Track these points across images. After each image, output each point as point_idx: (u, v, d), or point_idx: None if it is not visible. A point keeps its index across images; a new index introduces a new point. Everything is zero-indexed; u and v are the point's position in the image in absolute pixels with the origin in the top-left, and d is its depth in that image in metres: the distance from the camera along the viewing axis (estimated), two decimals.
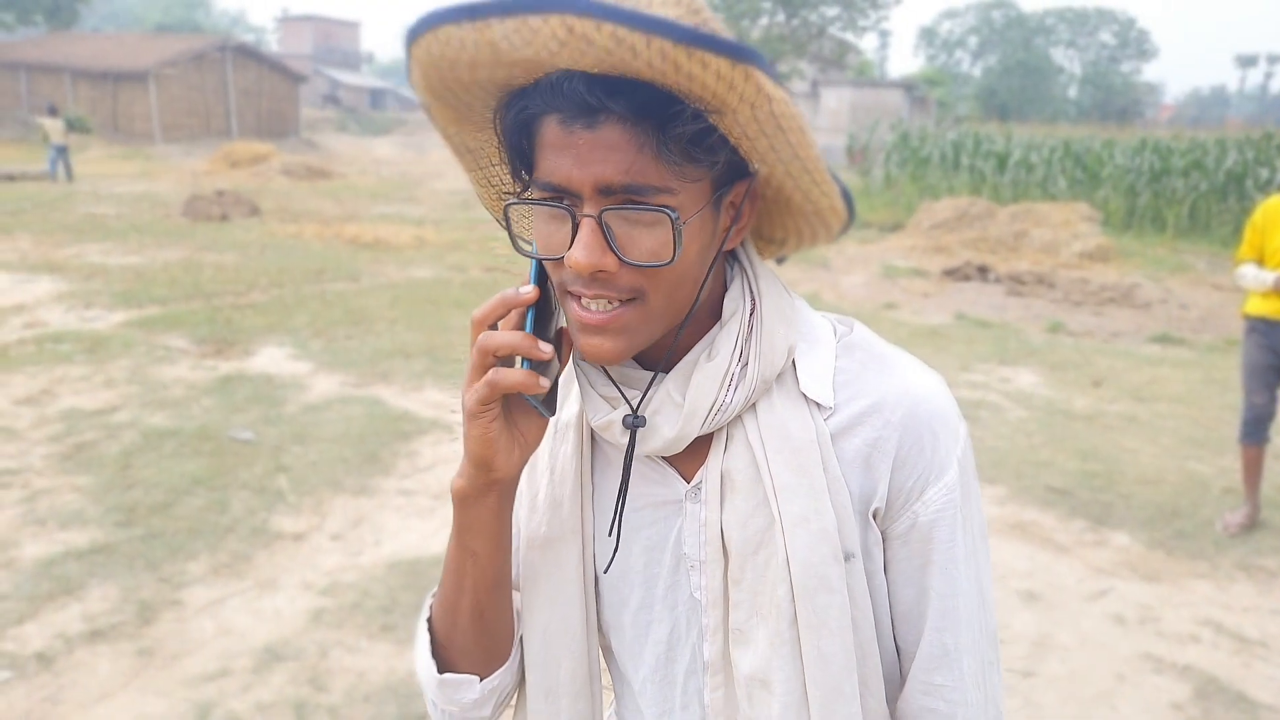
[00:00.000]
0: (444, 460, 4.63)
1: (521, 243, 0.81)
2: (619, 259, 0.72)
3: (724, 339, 0.81)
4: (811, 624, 0.80)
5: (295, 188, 18.82)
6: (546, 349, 0.77)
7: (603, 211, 0.71)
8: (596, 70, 0.68)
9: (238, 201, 14.12)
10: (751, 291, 0.83)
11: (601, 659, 0.96)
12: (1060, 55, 71.81)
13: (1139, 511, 4.28)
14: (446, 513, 4.01)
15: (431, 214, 15.30)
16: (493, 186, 0.88)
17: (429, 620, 0.92)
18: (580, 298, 0.75)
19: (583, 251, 0.71)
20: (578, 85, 0.69)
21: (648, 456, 0.86)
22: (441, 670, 0.90)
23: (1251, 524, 4.12)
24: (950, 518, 0.82)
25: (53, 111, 19.01)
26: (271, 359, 6.35)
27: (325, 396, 5.56)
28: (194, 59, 32.23)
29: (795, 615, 0.80)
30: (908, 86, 26.06)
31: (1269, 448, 4.18)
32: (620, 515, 0.86)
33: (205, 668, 2.91)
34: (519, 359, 0.78)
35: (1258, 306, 3.98)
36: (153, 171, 21.32)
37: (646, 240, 0.72)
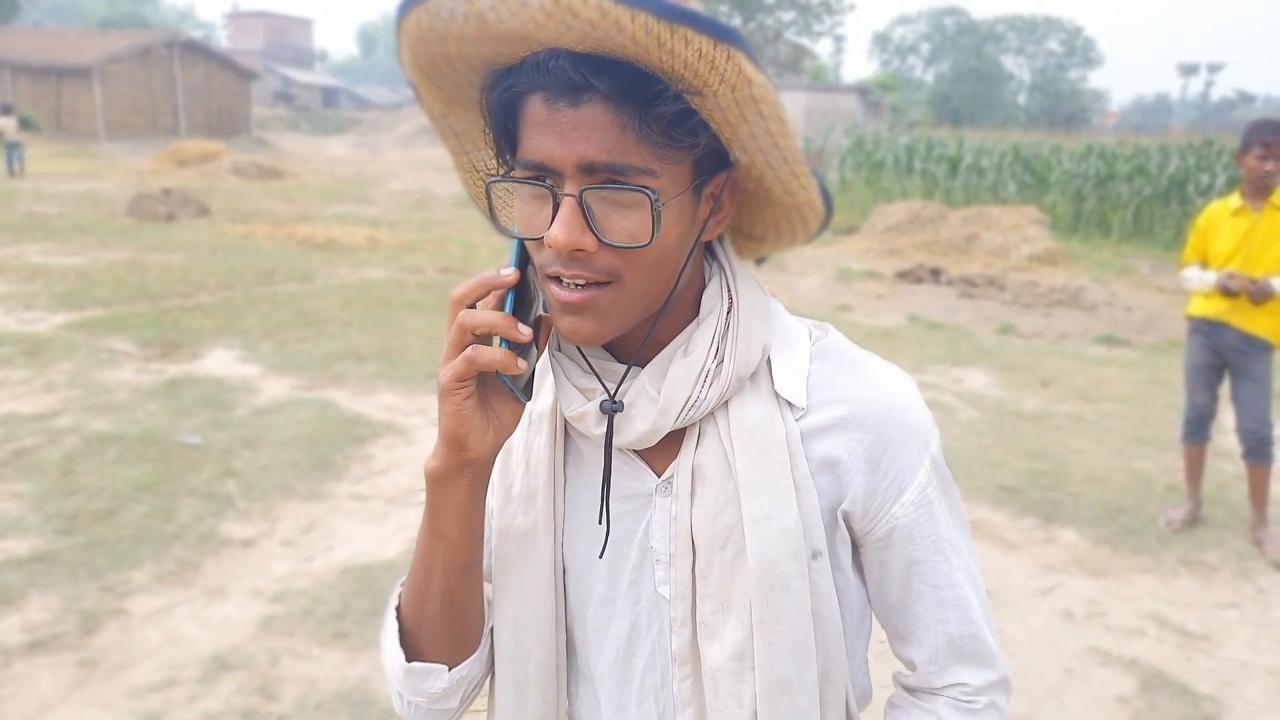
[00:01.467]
0: (398, 464, 4.57)
1: (503, 223, 0.82)
2: (598, 239, 0.73)
3: (701, 335, 0.82)
4: (764, 620, 0.81)
5: (246, 187, 18.47)
6: (525, 331, 0.77)
7: (583, 191, 0.72)
8: (581, 47, 0.69)
9: (185, 201, 13.81)
10: (729, 290, 0.84)
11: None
12: (1010, 62, 73.17)
13: (1086, 509, 4.37)
14: (400, 517, 3.98)
15: (386, 215, 15.12)
16: (477, 171, 0.89)
17: (397, 608, 0.91)
18: (560, 278, 0.76)
19: (562, 229, 0.72)
20: (563, 63, 0.70)
21: (619, 449, 0.86)
22: (410, 659, 0.88)
23: (1193, 520, 4.23)
24: (929, 515, 0.85)
25: (6, 110, 18.97)
26: (220, 362, 6.22)
27: (275, 400, 5.46)
28: (140, 55, 31.48)
29: (751, 610, 0.82)
30: (862, 91, 26.38)
31: (1210, 446, 4.29)
32: (607, 500, 0.86)
33: (151, 678, 2.83)
34: (496, 341, 0.78)
35: (1200, 308, 4.08)
36: (97, 170, 20.79)
37: (625, 221, 0.73)
